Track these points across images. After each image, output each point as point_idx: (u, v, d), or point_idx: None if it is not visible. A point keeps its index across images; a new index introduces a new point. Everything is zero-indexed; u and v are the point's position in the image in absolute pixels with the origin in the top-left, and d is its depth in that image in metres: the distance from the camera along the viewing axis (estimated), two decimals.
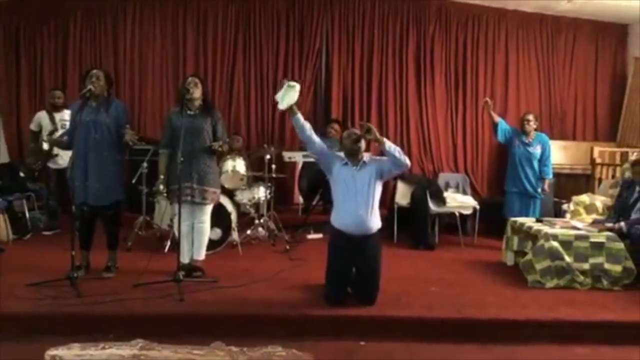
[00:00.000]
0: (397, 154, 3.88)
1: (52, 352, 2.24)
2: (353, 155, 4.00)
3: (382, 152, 4.04)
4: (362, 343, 3.52)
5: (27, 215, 6.26)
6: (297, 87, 4.00)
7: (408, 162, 3.98)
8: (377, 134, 3.92)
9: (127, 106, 4.99)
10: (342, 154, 4.09)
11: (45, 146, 5.92)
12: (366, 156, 4.10)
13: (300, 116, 4.04)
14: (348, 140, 4.01)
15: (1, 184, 6.67)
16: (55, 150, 5.99)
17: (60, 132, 5.91)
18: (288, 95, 3.96)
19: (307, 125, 4.07)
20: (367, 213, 3.89)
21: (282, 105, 3.98)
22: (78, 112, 4.29)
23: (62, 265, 4.13)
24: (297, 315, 3.75)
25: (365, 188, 3.91)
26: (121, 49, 7.58)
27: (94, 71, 4.43)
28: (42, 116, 6.25)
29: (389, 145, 3.90)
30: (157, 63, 7.61)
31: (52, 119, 6.17)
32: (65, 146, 4.60)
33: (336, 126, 7.08)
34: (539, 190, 6.08)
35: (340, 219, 3.96)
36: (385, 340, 3.54)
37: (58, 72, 7.54)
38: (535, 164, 6.07)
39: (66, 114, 6.05)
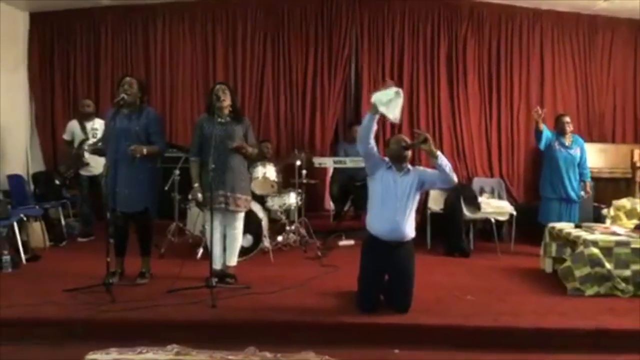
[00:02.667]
0: (447, 170, 3.82)
1: (90, 356, 2.26)
2: (399, 161, 3.95)
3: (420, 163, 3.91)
4: (396, 351, 3.46)
5: (63, 222, 6.39)
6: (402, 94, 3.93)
7: (456, 179, 3.92)
8: (433, 146, 3.83)
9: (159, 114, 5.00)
10: (387, 158, 4.03)
11: (87, 155, 5.97)
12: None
13: (377, 118, 3.92)
14: (396, 146, 3.95)
15: (37, 191, 6.83)
16: (87, 157, 6.07)
17: (91, 140, 6.01)
18: (395, 103, 3.87)
19: (375, 128, 3.93)
20: (403, 220, 3.84)
21: (389, 113, 3.84)
22: (111, 120, 4.34)
23: (97, 271, 4.19)
24: (330, 322, 3.71)
25: (405, 194, 3.87)
26: (152, 58, 7.68)
27: (127, 79, 4.45)
28: (73, 125, 6.36)
29: (442, 159, 3.83)
30: (187, 71, 7.68)
31: (83, 128, 6.28)
32: (104, 153, 4.64)
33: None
34: (582, 193, 5.88)
35: (376, 223, 3.90)
36: (420, 349, 3.47)
37: (91, 82, 7.69)
38: (576, 167, 5.88)
39: (97, 123, 6.18)
